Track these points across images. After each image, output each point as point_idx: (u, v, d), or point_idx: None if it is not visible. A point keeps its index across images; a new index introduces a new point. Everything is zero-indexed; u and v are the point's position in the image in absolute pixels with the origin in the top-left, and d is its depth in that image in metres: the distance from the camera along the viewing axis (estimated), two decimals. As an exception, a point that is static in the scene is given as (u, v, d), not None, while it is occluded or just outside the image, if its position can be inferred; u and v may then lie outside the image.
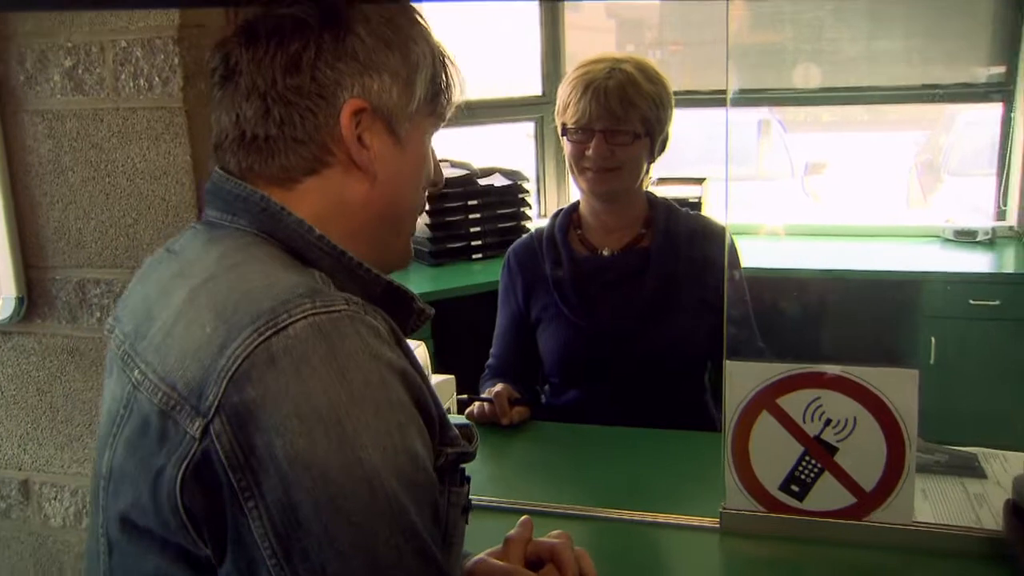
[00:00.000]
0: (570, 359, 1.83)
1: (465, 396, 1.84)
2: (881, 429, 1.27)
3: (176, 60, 1.21)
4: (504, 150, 4.57)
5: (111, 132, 1.25)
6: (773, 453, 1.31)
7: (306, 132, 0.87)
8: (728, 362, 1.31)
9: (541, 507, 1.40)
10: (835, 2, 3.71)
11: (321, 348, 0.73)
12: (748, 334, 1.83)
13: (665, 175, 3.92)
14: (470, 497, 0.97)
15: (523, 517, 1.10)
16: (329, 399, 0.72)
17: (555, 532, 1.09)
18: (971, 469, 1.44)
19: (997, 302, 3.07)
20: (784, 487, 1.32)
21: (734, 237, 1.90)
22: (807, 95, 4.10)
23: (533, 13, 4.05)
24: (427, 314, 0.96)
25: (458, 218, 3.66)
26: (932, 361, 3.07)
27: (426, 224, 3.62)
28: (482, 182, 3.70)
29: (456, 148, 4.05)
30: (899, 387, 1.25)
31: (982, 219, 3.55)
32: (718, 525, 1.33)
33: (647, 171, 1.83)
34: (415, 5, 0.96)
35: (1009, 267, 3.28)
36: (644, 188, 1.87)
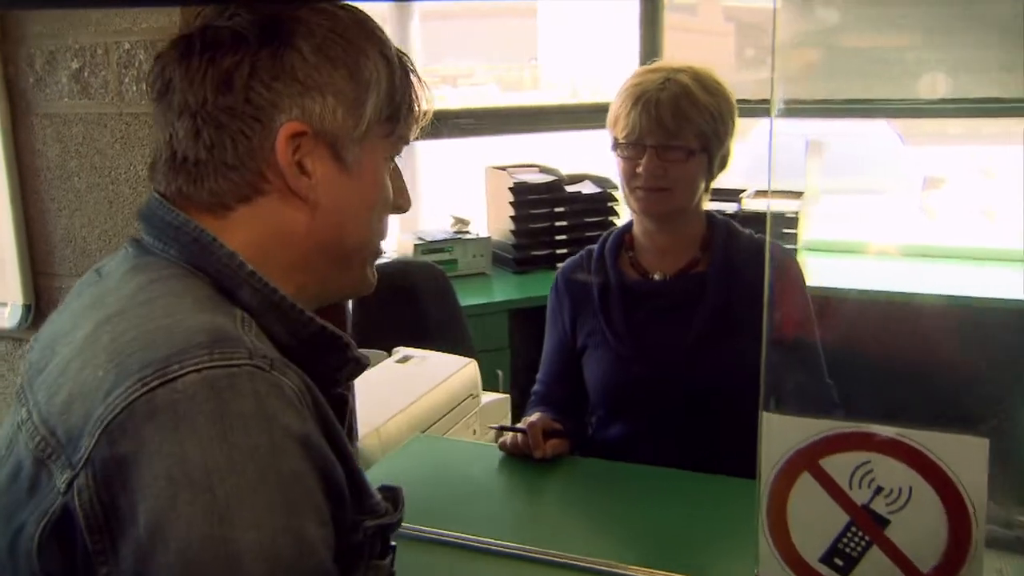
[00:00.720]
0: (614, 391, 1.70)
1: (497, 426, 1.74)
2: (942, 503, 1.10)
3: (179, 64, 1.14)
4: (598, 157, 4.45)
5: (114, 138, 1.21)
6: (814, 520, 1.15)
7: (238, 157, 0.80)
8: (765, 414, 1.16)
9: (557, 557, 1.29)
10: (959, 7, 3.42)
11: (208, 406, 0.65)
12: (812, 370, 1.66)
13: (761, 187, 3.72)
14: (393, 571, 0.88)
15: None
16: (205, 463, 0.63)
17: None
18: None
19: None
20: (826, 560, 1.16)
21: (799, 261, 1.74)
22: (928, 105, 3.81)
23: (634, 13, 3.91)
24: (363, 364, 0.87)
25: (543, 225, 3.57)
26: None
27: (510, 231, 3.54)
28: (570, 189, 3.59)
29: (546, 154, 3.95)
30: (964, 457, 1.08)
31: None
32: (750, 595, 1.18)
33: (705, 189, 1.68)
34: (370, 14, 0.87)
35: None
36: (702, 207, 1.72)
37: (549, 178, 3.62)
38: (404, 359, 2.05)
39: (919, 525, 1.10)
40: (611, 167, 4.32)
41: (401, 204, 0.92)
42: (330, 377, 0.84)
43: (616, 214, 3.63)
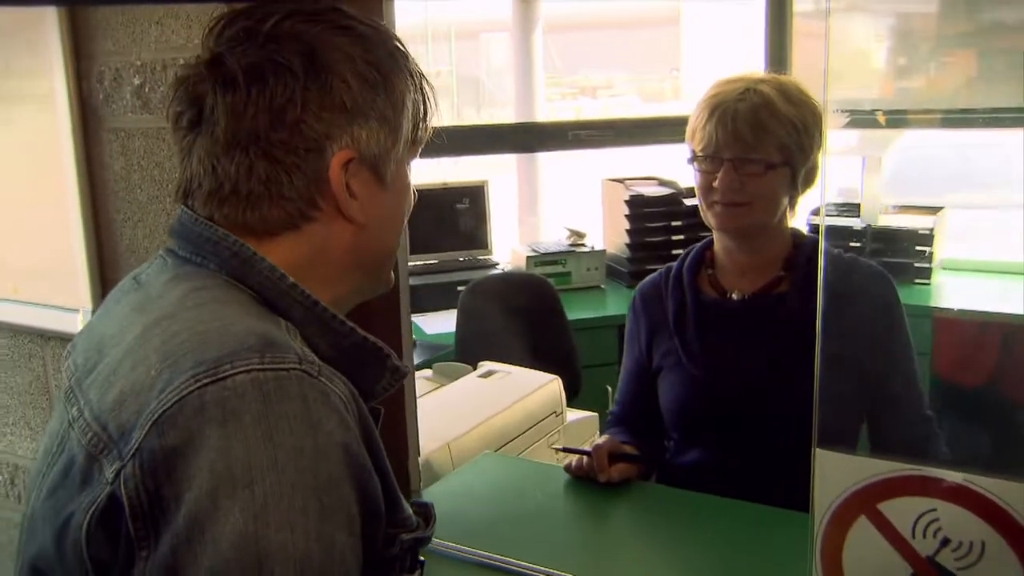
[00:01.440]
0: (686, 415, 1.61)
1: (562, 447, 1.69)
2: (1021, 563, 0.97)
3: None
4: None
5: (171, 151, 1.24)
6: (872, 570, 1.05)
7: (294, 189, 0.81)
8: (819, 451, 1.06)
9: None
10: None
11: (256, 406, 0.67)
12: (912, 401, 1.53)
13: (898, 201, 3.50)
14: None
15: None
16: (248, 460, 0.65)
17: None
18: None
19: None
20: (887, 615, 1.05)
21: (896, 284, 1.61)
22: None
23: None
24: (402, 372, 0.87)
25: (660, 239, 3.48)
26: None
27: (626, 244, 3.47)
28: (688, 202, 3.48)
29: (665, 166, 3.85)
30: (1042, 509, 0.95)
31: None
32: (803, 650, 1.08)
33: (790, 205, 1.57)
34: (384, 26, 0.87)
35: None
36: (787, 224, 1.61)
37: (667, 191, 3.53)
38: (487, 374, 2.02)
39: (993, 585, 0.98)
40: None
41: (412, 203, 0.94)
42: (368, 389, 0.84)
43: (736, 228, 3.49)
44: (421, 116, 0.89)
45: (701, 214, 1.60)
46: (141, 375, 0.71)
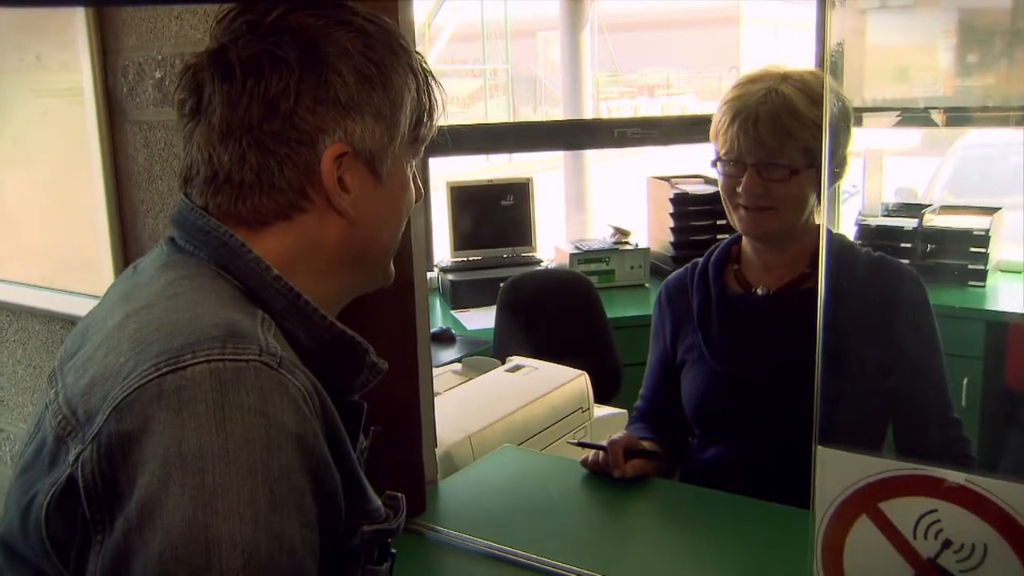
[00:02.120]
0: (707, 409, 1.59)
1: (576, 441, 1.68)
2: (1022, 563, 0.94)
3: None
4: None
5: (184, 144, 1.27)
6: (874, 571, 1.02)
7: (284, 179, 0.82)
8: (819, 448, 1.04)
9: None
10: None
11: (211, 395, 0.68)
12: (939, 404, 1.49)
13: (951, 202, 3.40)
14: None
15: None
16: (200, 447, 0.66)
17: None
18: None
19: None
20: (888, 617, 1.02)
21: (923, 282, 1.57)
22: None
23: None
24: (380, 368, 0.88)
25: (704, 237, 3.44)
26: None
27: (670, 242, 3.45)
28: (734, 201, 3.44)
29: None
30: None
31: None
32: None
33: (817, 203, 1.54)
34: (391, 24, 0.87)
35: None
36: (814, 221, 1.58)
37: (712, 189, 3.49)
38: (515, 368, 2.02)
39: (996, 589, 0.95)
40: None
41: (416, 199, 0.95)
42: (347, 383, 0.86)
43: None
44: (424, 114, 0.89)
45: (727, 216, 1.57)
46: (112, 362, 0.73)
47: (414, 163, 0.92)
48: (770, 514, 1.39)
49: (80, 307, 1.46)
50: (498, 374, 2.01)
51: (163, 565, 0.63)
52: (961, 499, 0.96)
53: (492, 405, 1.81)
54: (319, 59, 0.81)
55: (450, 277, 3.34)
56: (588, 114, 4.56)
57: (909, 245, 3.13)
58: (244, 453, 0.66)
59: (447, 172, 4.15)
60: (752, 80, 1.52)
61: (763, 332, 1.56)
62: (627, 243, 3.53)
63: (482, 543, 1.33)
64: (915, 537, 0.99)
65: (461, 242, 3.51)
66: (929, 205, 3.29)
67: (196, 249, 0.83)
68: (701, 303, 1.62)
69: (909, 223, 3.18)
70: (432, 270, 3.45)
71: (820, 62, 3.64)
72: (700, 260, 1.68)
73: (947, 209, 3.31)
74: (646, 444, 1.58)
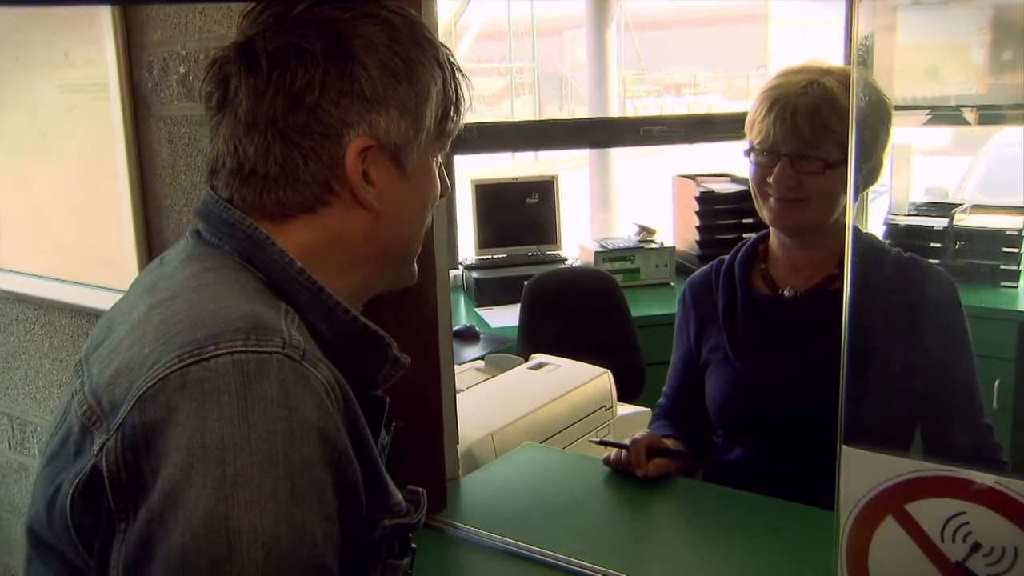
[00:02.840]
0: (731, 410, 1.57)
1: (598, 440, 1.67)
2: (1055, 570, 0.92)
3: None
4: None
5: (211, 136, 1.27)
6: (900, 573, 1.00)
7: (309, 173, 0.82)
8: (844, 448, 1.03)
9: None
10: None
11: (234, 387, 0.68)
12: (969, 408, 1.46)
13: (983, 202, 3.35)
14: (410, 572, 0.87)
15: None
16: (222, 438, 0.66)
17: None
18: None
19: None
20: (915, 621, 1.00)
21: (954, 283, 1.53)
22: None
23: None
24: (402, 363, 0.87)
25: (730, 236, 3.42)
26: None
27: (696, 240, 3.43)
28: (761, 199, 3.41)
29: (738, 163, 3.77)
30: (1079, 517, 0.90)
31: None
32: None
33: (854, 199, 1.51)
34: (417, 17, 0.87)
35: None
36: (845, 220, 1.55)
37: (738, 188, 3.46)
38: (538, 366, 2.01)
39: (1027, 593, 0.93)
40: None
41: (443, 193, 0.94)
42: (369, 378, 0.85)
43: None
44: (450, 108, 0.89)
45: (756, 207, 1.55)
46: (136, 352, 0.73)
47: (440, 157, 0.92)
48: (794, 515, 1.37)
49: (105, 301, 1.47)
50: (521, 372, 2.01)
51: (184, 556, 0.64)
52: (991, 501, 0.94)
53: (514, 402, 1.80)
54: (345, 52, 0.81)
55: (474, 275, 3.34)
56: (614, 112, 4.54)
57: (939, 245, 3.09)
58: (266, 445, 0.66)
59: (472, 170, 4.15)
60: (794, 71, 1.50)
61: (790, 334, 1.54)
62: (652, 242, 3.51)
63: (503, 540, 1.32)
64: (943, 540, 0.97)
65: (486, 240, 3.51)
66: (960, 204, 3.24)
67: (221, 241, 0.83)
68: (726, 303, 1.60)
69: (939, 223, 3.14)
70: (456, 268, 3.45)
71: (848, 60, 3.60)
72: (726, 258, 1.66)
73: (979, 209, 3.26)
74: (669, 443, 1.57)
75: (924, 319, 1.44)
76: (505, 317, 3.10)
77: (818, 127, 1.44)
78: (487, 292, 3.30)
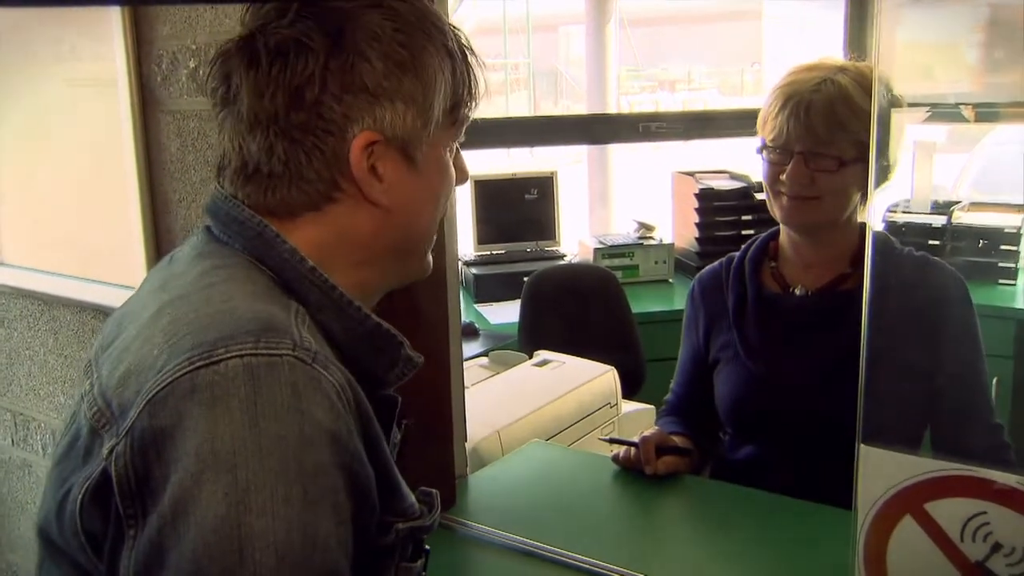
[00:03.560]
0: (742, 410, 1.57)
1: (607, 438, 1.66)
2: (1076, 570, 0.92)
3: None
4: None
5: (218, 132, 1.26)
6: (918, 573, 1.00)
7: (313, 170, 0.80)
8: (863, 447, 1.02)
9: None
10: None
11: (244, 391, 0.67)
12: (979, 407, 1.46)
13: (980, 199, 3.36)
14: (424, 574, 0.86)
15: None
16: (233, 444, 0.65)
17: None
18: None
19: None
20: (933, 620, 1.00)
21: (976, 285, 1.53)
22: None
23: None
24: (415, 362, 0.85)
25: (730, 233, 3.41)
26: None
27: (695, 237, 3.42)
28: (759, 195, 3.39)
29: (737, 160, 3.77)
30: (1102, 517, 0.89)
31: None
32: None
33: (862, 201, 1.50)
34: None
35: None
36: (856, 219, 1.54)
37: (738, 184, 3.46)
38: (543, 363, 2.01)
39: (1047, 593, 0.93)
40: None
41: (462, 181, 0.93)
42: (381, 377, 0.84)
43: (809, 223, 3.40)
44: (463, 95, 0.86)
45: (768, 205, 1.55)
46: (146, 354, 0.72)
47: (454, 146, 0.89)
48: (806, 513, 1.37)
49: (111, 297, 1.46)
50: (526, 368, 2.00)
51: (196, 563, 0.63)
52: (1013, 502, 0.94)
53: (520, 400, 1.80)
54: (345, 45, 0.79)
55: (474, 271, 3.33)
56: (612, 109, 4.53)
57: (938, 242, 3.09)
58: (278, 450, 0.65)
59: (469, 166, 4.13)
60: (807, 68, 1.49)
61: (801, 333, 1.53)
62: (651, 238, 3.51)
63: (512, 538, 1.32)
64: (962, 540, 0.97)
65: (484, 236, 3.50)
66: (958, 202, 3.25)
67: (230, 239, 0.82)
68: (737, 300, 1.60)
69: (938, 220, 3.14)
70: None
71: (848, 57, 3.60)
72: (735, 255, 1.65)
73: (977, 206, 3.26)
74: (677, 440, 1.56)
75: (938, 318, 1.44)
76: (505, 313, 3.10)
77: (832, 125, 1.43)
78: (486, 288, 3.29)
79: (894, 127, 1.48)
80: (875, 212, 1.52)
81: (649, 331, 2.96)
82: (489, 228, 3.50)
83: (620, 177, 4.51)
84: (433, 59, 0.82)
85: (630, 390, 2.49)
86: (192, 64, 1.27)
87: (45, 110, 1.52)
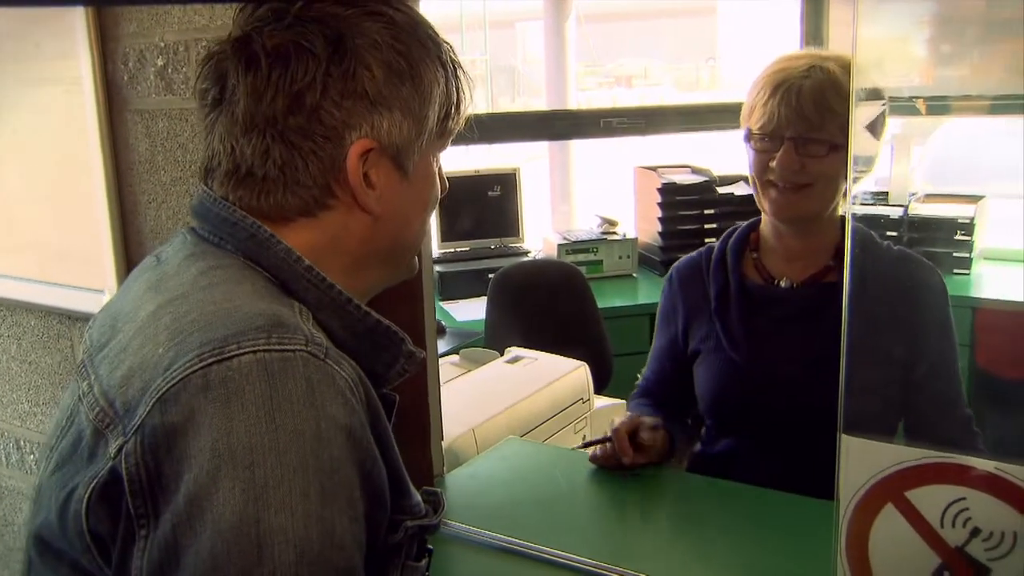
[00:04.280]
0: (724, 401, 1.58)
1: (583, 444, 1.66)
2: (1052, 553, 0.94)
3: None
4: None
5: (194, 132, 1.24)
6: (900, 560, 1.02)
7: (309, 176, 0.80)
8: (844, 437, 1.04)
9: (606, 570, 1.21)
10: None
11: (259, 386, 0.66)
12: (952, 398, 1.48)
13: (933, 191, 3.42)
14: (428, 573, 0.86)
15: None
16: (250, 440, 0.64)
17: None
18: None
19: None
20: (915, 606, 1.02)
21: (943, 277, 1.56)
22: None
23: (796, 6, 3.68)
24: (417, 358, 0.85)
25: (692, 227, 3.45)
26: None
27: (658, 232, 3.44)
28: (722, 190, 3.45)
29: (700, 154, 3.81)
30: (1078, 500, 0.92)
31: None
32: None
33: (844, 192, 1.50)
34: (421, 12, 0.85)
35: None
36: (838, 212, 1.54)
37: (700, 179, 3.49)
38: (515, 360, 2.01)
39: (1026, 576, 0.95)
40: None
41: (441, 191, 0.93)
42: (382, 375, 0.84)
43: (771, 216, 3.44)
44: (452, 107, 0.87)
45: (756, 198, 1.54)
46: (149, 352, 0.71)
47: (439, 157, 0.90)
48: (786, 504, 1.39)
49: (78, 301, 1.43)
50: (498, 366, 2.00)
51: (214, 560, 0.62)
52: (991, 487, 0.96)
53: (494, 397, 1.80)
54: (347, 51, 0.79)
55: (438, 268, 3.32)
56: (571, 105, 4.55)
57: (895, 233, 3.15)
58: (295, 446, 0.65)
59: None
60: (794, 57, 1.49)
61: (786, 325, 1.54)
62: (614, 233, 3.53)
63: (491, 536, 1.32)
64: (942, 526, 0.99)
65: (448, 233, 3.49)
66: (914, 193, 3.31)
67: (222, 240, 0.81)
68: (719, 291, 1.59)
69: (895, 211, 3.20)
70: (420, 261, 3.43)
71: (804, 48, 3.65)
72: (715, 245, 1.65)
73: (931, 197, 3.33)
74: (648, 420, 1.53)
75: (918, 312, 1.46)
76: (470, 310, 3.09)
77: (822, 108, 1.43)
78: (451, 286, 3.28)
79: (879, 118, 1.49)
80: (854, 204, 1.53)
81: (615, 326, 2.98)
82: (453, 225, 3.49)
83: (582, 172, 4.52)
84: (429, 70, 0.83)
85: (598, 385, 2.50)
86: (160, 62, 1.25)
87: (9, 110, 1.48)
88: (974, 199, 3.19)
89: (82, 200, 1.38)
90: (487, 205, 3.55)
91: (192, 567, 0.63)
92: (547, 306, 2.90)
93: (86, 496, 0.70)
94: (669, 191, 3.43)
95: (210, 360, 0.67)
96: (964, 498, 0.97)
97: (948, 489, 0.98)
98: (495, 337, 2.76)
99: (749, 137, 1.51)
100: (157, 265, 0.85)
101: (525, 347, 2.11)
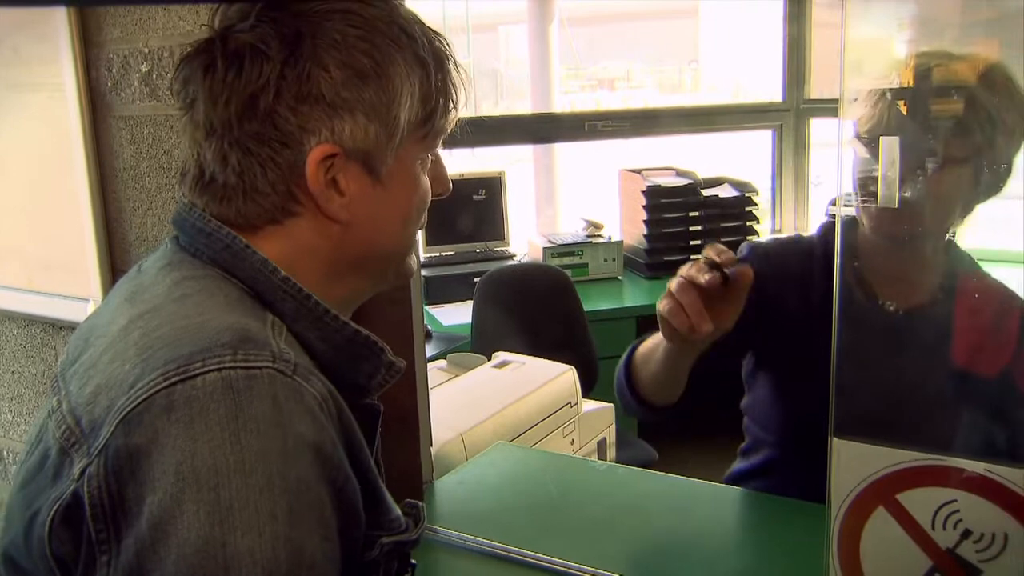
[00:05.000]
0: (813, 430, 1.20)
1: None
2: (1043, 554, 0.94)
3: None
4: (746, 159, 4.25)
5: (179, 139, 1.23)
6: (891, 562, 1.02)
7: (268, 183, 0.77)
8: (835, 440, 1.04)
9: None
10: None
11: (224, 406, 0.64)
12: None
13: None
14: None
15: None
16: (214, 462, 0.63)
17: None
18: None
19: None
20: (906, 608, 1.02)
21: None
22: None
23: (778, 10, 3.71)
24: (398, 368, 0.83)
25: (677, 229, 3.46)
26: None
27: (643, 235, 3.45)
28: (706, 192, 3.46)
29: (685, 156, 3.82)
30: (1067, 501, 0.92)
31: None
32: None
33: (961, 212, 1.27)
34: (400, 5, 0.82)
35: None
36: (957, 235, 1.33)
37: (685, 181, 3.50)
38: (502, 364, 2.01)
39: (1016, 577, 0.95)
40: (753, 170, 4.09)
41: (441, 192, 0.89)
42: (363, 385, 0.82)
43: (756, 219, 3.45)
44: (437, 105, 0.82)
45: (857, 212, 1.39)
46: (116, 369, 0.69)
47: (427, 157, 0.86)
48: (777, 508, 1.39)
49: (62, 310, 1.42)
50: (485, 370, 1.99)
51: None
52: (981, 489, 0.96)
53: (482, 402, 1.79)
54: (303, 52, 0.75)
55: (424, 272, 3.31)
56: (555, 108, 4.55)
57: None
58: (261, 466, 0.63)
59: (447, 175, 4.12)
60: (918, 56, 1.33)
61: (891, 353, 1.37)
62: (600, 236, 3.53)
63: (482, 542, 1.31)
64: (933, 528, 0.99)
65: (433, 237, 3.48)
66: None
67: (199, 251, 0.79)
68: (821, 300, 1.37)
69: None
70: (405, 266, 3.42)
71: (787, 54, 3.67)
72: (812, 239, 1.48)
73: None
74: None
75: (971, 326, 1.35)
76: (456, 314, 3.09)
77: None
78: (437, 290, 3.28)
79: (1018, 131, 1.26)
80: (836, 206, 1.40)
81: (600, 329, 2.98)
82: (438, 229, 3.49)
83: (566, 175, 4.52)
84: (400, 68, 0.78)
85: (585, 388, 2.50)
86: (144, 68, 1.24)
87: (-12, 116, 1.47)
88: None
89: (66, 207, 1.37)
90: (472, 209, 3.55)
91: None
92: (533, 309, 2.90)
93: (48, 519, 0.68)
94: (654, 194, 3.44)
95: (175, 379, 0.65)
96: (955, 500, 0.97)
97: (939, 491, 0.98)
98: (482, 341, 2.76)
99: (856, 139, 1.25)
100: (137, 275, 0.83)
101: (511, 351, 2.10)
